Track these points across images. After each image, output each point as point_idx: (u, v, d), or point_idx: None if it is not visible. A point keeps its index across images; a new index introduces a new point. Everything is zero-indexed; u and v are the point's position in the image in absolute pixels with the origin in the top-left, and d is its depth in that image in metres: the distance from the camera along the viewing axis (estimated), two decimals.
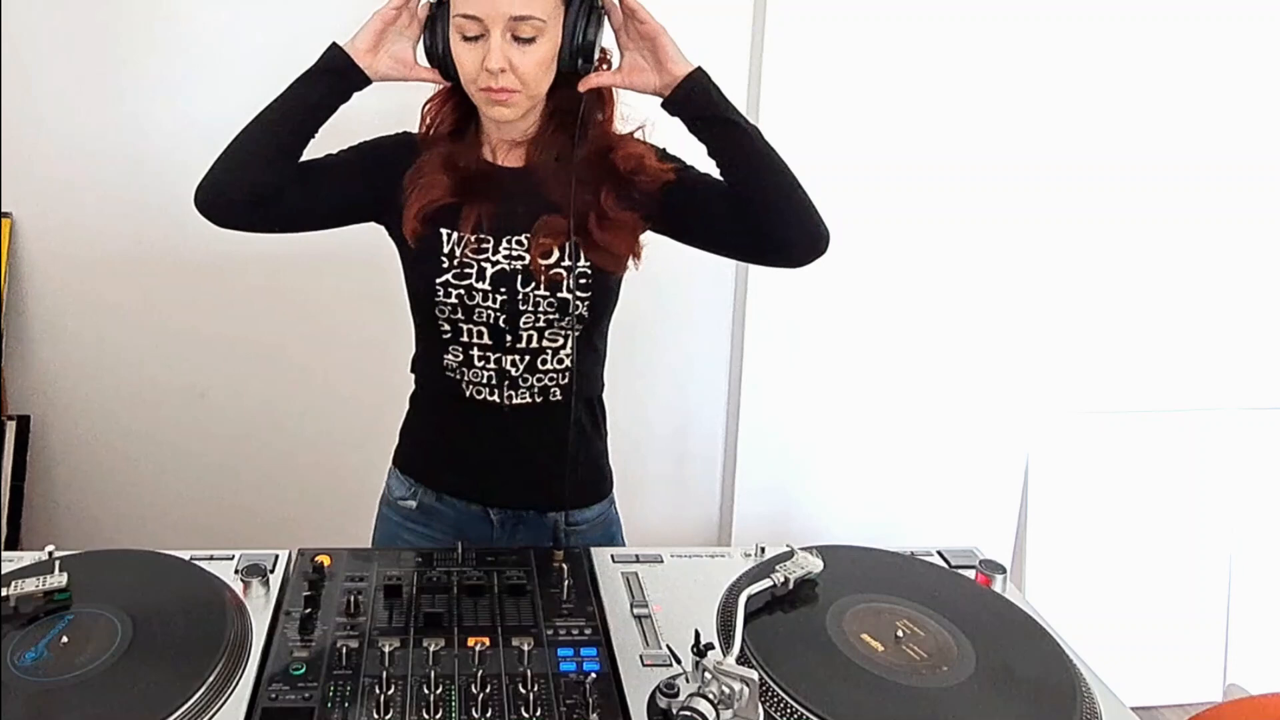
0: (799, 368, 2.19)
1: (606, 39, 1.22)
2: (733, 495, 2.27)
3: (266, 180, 1.20)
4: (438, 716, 0.95)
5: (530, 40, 1.13)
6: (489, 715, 0.95)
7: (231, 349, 2.05)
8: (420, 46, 1.22)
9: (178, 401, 2.06)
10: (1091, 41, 2.07)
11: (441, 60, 1.19)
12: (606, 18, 1.20)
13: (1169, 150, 2.18)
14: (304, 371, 2.06)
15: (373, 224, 1.30)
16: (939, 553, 1.29)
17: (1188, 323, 2.31)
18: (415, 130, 1.29)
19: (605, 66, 1.23)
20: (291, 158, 1.22)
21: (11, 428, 1.97)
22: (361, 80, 1.22)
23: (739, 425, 2.21)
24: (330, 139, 1.25)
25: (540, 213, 1.22)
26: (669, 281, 2.10)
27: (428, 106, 1.27)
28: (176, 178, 1.92)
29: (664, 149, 1.28)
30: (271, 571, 1.15)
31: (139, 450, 2.08)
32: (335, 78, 1.21)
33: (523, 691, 0.98)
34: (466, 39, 1.14)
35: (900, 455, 2.28)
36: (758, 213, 1.24)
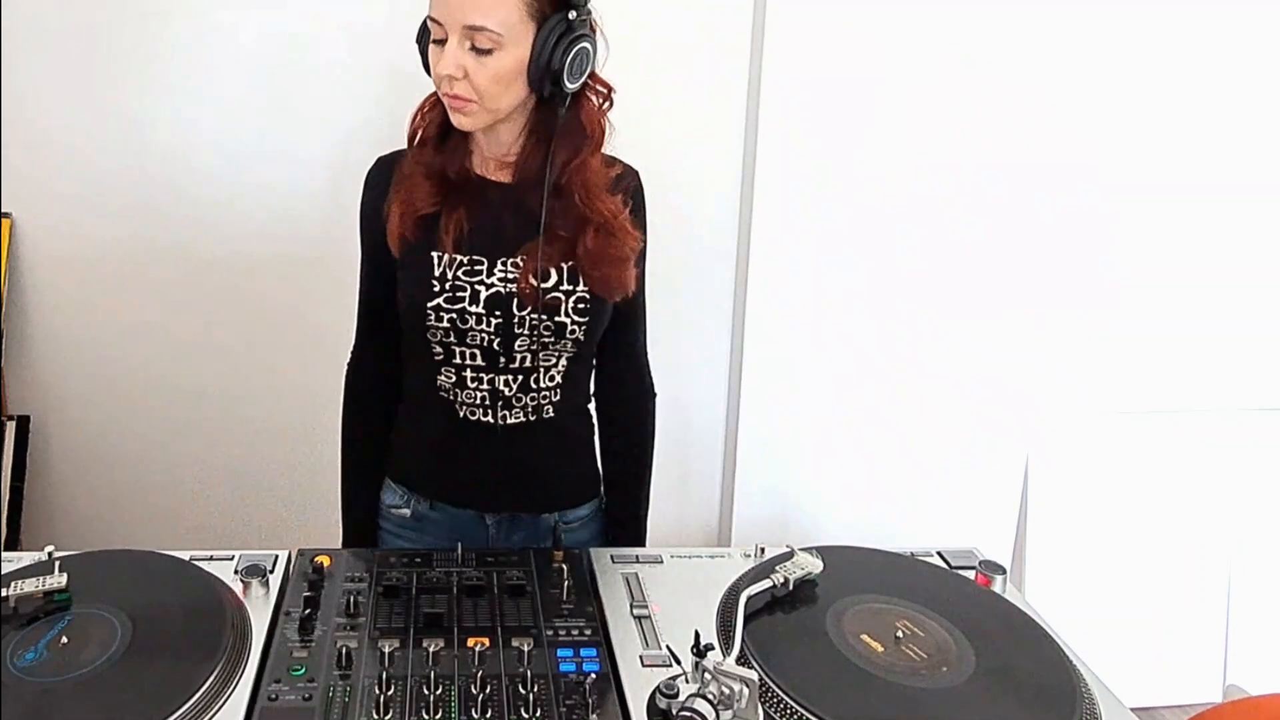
0: (798, 368, 2.19)
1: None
2: (732, 496, 2.27)
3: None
4: (437, 717, 0.95)
5: (487, 52, 1.11)
6: (489, 716, 0.95)
7: (232, 349, 2.04)
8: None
9: (178, 402, 2.06)
10: (1095, 42, 2.07)
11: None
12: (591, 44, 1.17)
13: (1169, 151, 2.18)
14: (305, 372, 2.06)
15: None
16: (939, 553, 1.29)
17: (1188, 323, 2.31)
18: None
19: (598, 101, 1.21)
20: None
21: (11, 428, 1.97)
22: None
23: (739, 426, 2.21)
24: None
25: (528, 233, 1.21)
26: (669, 282, 2.09)
27: (423, 105, 1.26)
28: (177, 178, 1.94)
29: (636, 205, 1.28)
30: (271, 572, 1.15)
31: (139, 450, 2.08)
32: None
33: (522, 692, 0.98)
34: (435, 42, 1.14)
35: (900, 455, 2.27)
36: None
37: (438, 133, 1.23)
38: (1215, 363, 2.34)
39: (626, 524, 1.42)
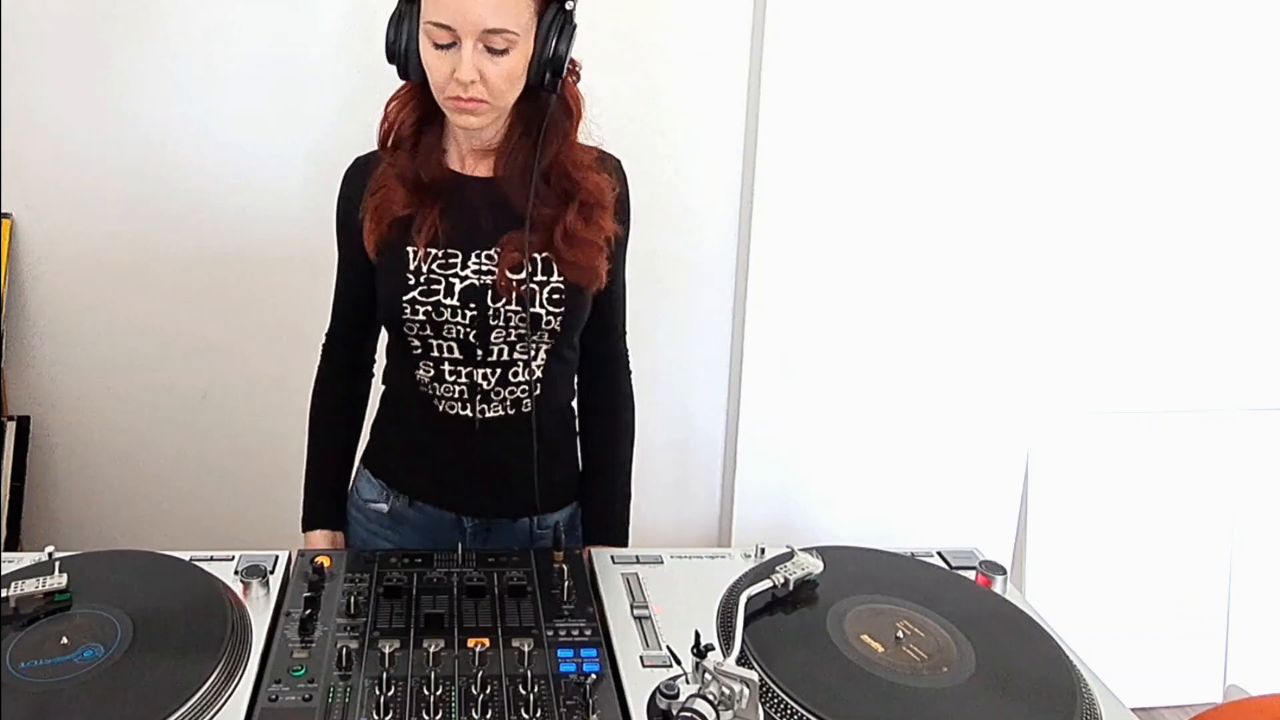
0: (799, 368, 2.19)
1: (575, 51, 1.19)
2: (732, 496, 2.27)
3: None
4: (438, 717, 0.95)
5: (502, 52, 1.11)
6: (489, 716, 0.95)
7: (232, 349, 2.04)
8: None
9: (178, 402, 2.06)
10: (1094, 41, 2.07)
11: (403, 58, 1.16)
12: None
13: (1169, 151, 2.18)
14: (305, 372, 2.05)
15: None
16: (939, 553, 1.29)
17: (1188, 323, 2.31)
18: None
19: (574, 79, 1.22)
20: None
21: (11, 428, 1.97)
22: None
23: (739, 426, 2.21)
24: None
25: (507, 226, 1.21)
26: (669, 283, 2.10)
27: (391, 105, 1.24)
28: (177, 177, 1.94)
29: (622, 193, 1.28)
30: (271, 572, 1.15)
31: (139, 450, 2.08)
32: None
33: (523, 692, 0.98)
34: (438, 46, 1.12)
35: (900, 455, 2.27)
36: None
37: (411, 134, 1.23)
38: (1215, 363, 2.34)
39: (601, 519, 1.40)
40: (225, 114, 1.91)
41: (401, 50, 1.16)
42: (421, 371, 1.28)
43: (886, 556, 1.26)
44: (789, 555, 1.16)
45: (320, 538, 1.39)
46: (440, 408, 1.29)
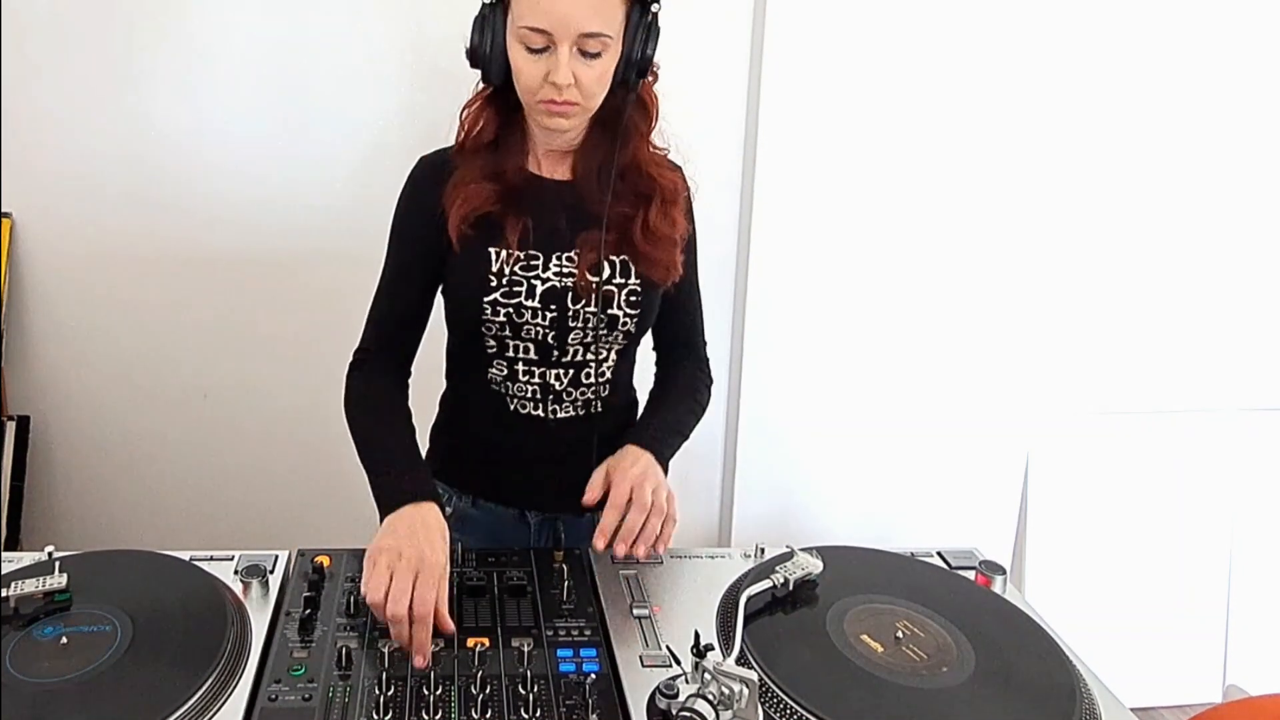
0: (799, 368, 2.19)
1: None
2: (732, 496, 2.27)
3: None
4: (438, 717, 0.95)
5: (596, 55, 1.12)
6: (489, 716, 0.95)
7: (233, 349, 2.04)
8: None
9: (178, 401, 2.06)
10: (1094, 42, 2.07)
11: (486, 62, 1.16)
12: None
13: (1169, 151, 2.18)
14: (306, 371, 2.06)
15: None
16: (939, 553, 1.29)
17: (1187, 323, 2.31)
18: (429, 151, 1.29)
19: (653, 79, 1.24)
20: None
21: (11, 428, 1.97)
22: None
23: (739, 425, 2.21)
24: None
25: (584, 227, 1.23)
26: None
27: (466, 113, 1.24)
28: (177, 176, 1.94)
29: (690, 196, 1.32)
30: (271, 572, 1.15)
31: (139, 450, 2.08)
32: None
33: (522, 692, 0.98)
34: (531, 50, 1.12)
35: (900, 455, 2.27)
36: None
37: (494, 133, 1.23)
38: (1215, 363, 2.34)
39: (646, 424, 1.31)
40: (227, 114, 1.91)
41: (487, 54, 1.16)
42: (494, 371, 1.29)
43: (886, 556, 1.26)
44: (789, 555, 1.16)
45: (435, 510, 1.15)
46: (512, 407, 1.30)
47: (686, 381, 1.38)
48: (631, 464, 1.20)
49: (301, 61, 1.90)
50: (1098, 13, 2.05)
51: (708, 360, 1.42)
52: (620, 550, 1.15)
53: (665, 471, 1.24)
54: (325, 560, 1.18)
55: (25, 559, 1.16)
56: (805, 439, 2.24)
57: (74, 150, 1.90)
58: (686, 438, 1.33)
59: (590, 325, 1.24)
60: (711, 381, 1.41)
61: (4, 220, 1.90)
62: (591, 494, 1.20)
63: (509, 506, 1.37)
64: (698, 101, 2.01)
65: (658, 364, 1.41)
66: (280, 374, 2.07)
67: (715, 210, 2.10)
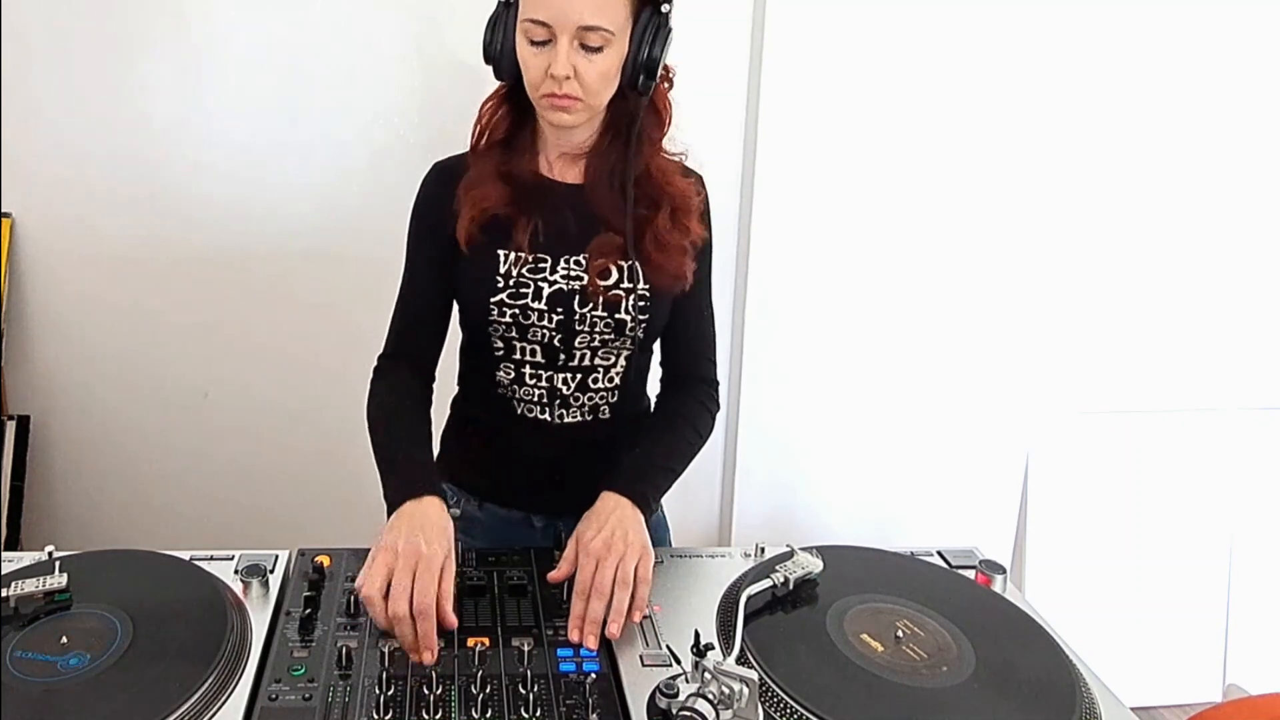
0: (798, 368, 2.19)
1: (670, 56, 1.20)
2: (733, 495, 2.27)
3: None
4: (438, 717, 0.95)
5: (597, 50, 1.13)
6: (489, 716, 0.95)
7: (233, 348, 2.04)
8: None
9: (178, 401, 2.06)
10: (1094, 41, 2.07)
11: (498, 60, 1.18)
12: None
13: (1169, 150, 2.18)
14: (306, 372, 2.06)
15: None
16: (939, 553, 1.29)
17: (1187, 323, 2.31)
18: (443, 157, 1.29)
19: (667, 85, 1.24)
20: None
21: (11, 428, 1.97)
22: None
23: (739, 425, 2.21)
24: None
25: (595, 231, 1.23)
26: None
27: (485, 106, 1.26)
28: (177, 176, 1.94)
29: (705, 202, 1.31)
30: (271, 572, 1.15)
31: (139, 450, 2.08)
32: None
33: (523, 692, 0.98)
34: (534, 44, 1.13)
35: (900, 455, 2.28)
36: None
37: (506, 134, 1.24)
38: (1215, 363, 2.34)
39: (633, 465, 1.23)
40: (227, 113, 1.91)
41: (498, 51, 1.18)
42: (502, 373, 1.29)
43: (886, 556, 1.26)
44: (789, 554, 1.16)
45: (437, 504, 1.13)
46: (519, 411, 1.30)
47: (686, 410, 1.32)
48: (597, 532, 1.12)
49: (302, 62, 1.90)
50: (1097, 13, 2.05)
51: (716, 384, 1.37)
52: (590, 643, 1.05)
53: (651, 512, 1.19)
54: (325, 560, 1.18)
55: (25, 559, 1.16)
56: (805, 438, 2.24)
57: (74, 150, 1.90)
58: (679, 473, 1.27)
59: (597, 330, 1.24)
60: (718, 408, 1.36)
61: (4, 220, 1.90)
62: (557, 574, 1.14)
63: (514, 510, 1.37)
64: (697, 102, 2.00)
65: (661, 384, 1.39)
66: (281, 374, 2.07)
67: (715, 211, 2.09)
